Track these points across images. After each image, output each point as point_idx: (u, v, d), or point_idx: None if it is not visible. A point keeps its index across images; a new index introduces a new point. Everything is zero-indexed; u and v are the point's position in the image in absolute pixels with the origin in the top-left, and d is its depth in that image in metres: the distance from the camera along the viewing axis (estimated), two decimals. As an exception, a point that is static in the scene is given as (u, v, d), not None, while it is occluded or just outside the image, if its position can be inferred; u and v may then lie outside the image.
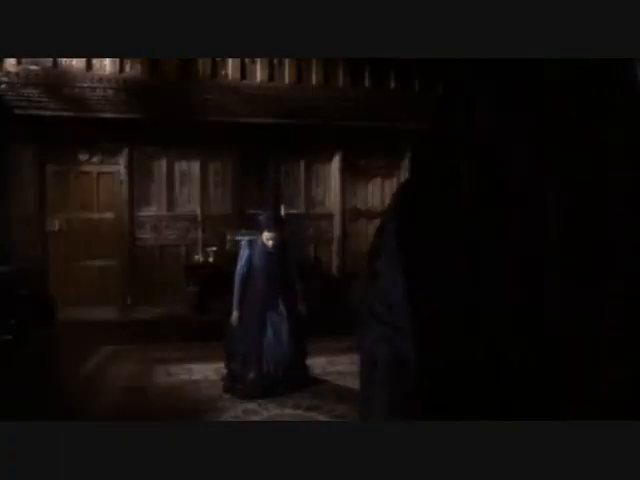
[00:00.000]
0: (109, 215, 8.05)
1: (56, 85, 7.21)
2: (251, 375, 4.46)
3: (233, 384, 4.52)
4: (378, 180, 8.96)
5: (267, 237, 4.54)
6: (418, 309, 0.78)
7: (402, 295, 0.79)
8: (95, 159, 7.97)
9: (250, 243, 4.69)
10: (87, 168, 7.95)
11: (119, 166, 7.98)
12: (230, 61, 7.83)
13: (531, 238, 0.78)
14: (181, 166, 8.23)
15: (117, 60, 7.40)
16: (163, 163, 8.17)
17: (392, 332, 0.80)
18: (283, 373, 4.52)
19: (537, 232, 0.78)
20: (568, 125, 0.77)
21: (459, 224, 0.80)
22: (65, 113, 7.29)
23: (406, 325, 0.78)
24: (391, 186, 8.99)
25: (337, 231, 8.76)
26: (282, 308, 4.60)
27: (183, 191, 8.24)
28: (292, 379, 4.56)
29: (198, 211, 8.09)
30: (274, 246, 4.57)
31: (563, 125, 0.77)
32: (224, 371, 4.68)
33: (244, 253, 4.64)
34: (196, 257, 7.80)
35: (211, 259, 7.57)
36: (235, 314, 4.59)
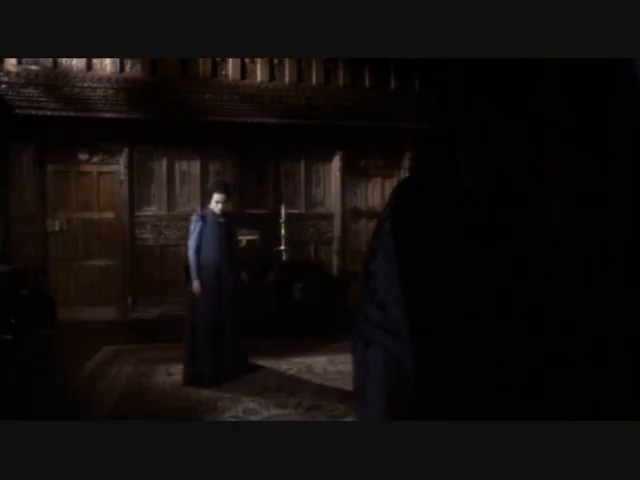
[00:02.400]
0: (109, 215, 8.05)
1: (56, 85, 7.21)
2: (212, 358, 4.79)
3: (200, 367, 4.76)
4: (378, 180, 8.96)
5: (216, 199, 5.00)
6: (414, 311, 0.78)
7: (398, 296, 0.79)
8: (95, 159, 7.96)
9: (202, 217, 5.06)
10: (87, 168, 7.95)
11: (119, 166, 7.98)
12: (230, 61, 7.83)
13: (532, 238, 0.78)
14: (181, 166, 8.23)
15: (117, 60, 7.41)
16: (163, 163, 8.17)
17: (386, 335, 0.80)
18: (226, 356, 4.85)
19: (538, 232, 0.78)
20: (568, 124, 0.77)
21: (458, 224, 0.80)
22: (65, 113, 7.29)
23: (401, 328, 0.78)
24: (391, 186, 8.98)
25: (337, 231, 8.75)
26: (230, 278, 4.96)
27: (183, 191, 8.24)
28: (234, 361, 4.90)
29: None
30: (223, 212, 5.01)
31: (563, 124, 0.77)
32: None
33: (195, 227, 5.00)
34: (196, 257, 7.80)
35: (211, 259, 7.57)
36: (196, 283, 4.88)
